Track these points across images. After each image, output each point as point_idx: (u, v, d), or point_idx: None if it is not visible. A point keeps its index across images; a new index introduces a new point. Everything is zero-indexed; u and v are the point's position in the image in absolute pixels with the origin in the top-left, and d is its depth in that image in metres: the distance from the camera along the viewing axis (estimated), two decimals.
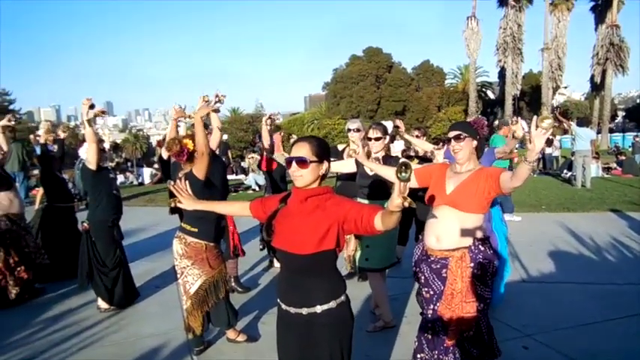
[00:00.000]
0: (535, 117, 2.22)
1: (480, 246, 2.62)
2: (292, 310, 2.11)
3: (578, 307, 4.30)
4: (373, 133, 3.93)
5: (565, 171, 13.68)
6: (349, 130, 4.52)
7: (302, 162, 2.06)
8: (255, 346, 3.76)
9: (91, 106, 4.29)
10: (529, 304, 4.42)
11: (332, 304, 2.07)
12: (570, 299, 4.50)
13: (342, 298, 2.12)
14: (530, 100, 44.34)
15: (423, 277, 2.77)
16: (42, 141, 5.88)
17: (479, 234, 2.64)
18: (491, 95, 48.13)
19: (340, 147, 5.07)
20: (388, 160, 3.88)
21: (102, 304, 4.64)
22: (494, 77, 44.17)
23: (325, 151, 2.14)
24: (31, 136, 8.38)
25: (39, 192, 9.28)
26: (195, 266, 3.52)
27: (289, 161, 2.10)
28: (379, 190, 3.86)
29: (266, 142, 5.33)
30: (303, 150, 2.08)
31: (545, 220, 8.03)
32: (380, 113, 43.20)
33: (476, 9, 35.50)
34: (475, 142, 2.70)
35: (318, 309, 2.06)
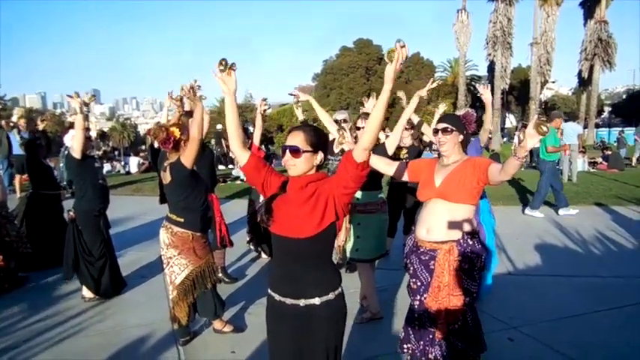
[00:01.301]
0: (535, 116, 2.25)
1: (469, 240, 2.62)
2: (288, 301, 2.07)
3: (563, 300, 4.34)
4: (362, 123, 3.95)
5: None
6: (336, 121, 4.52)
7: (295, 151, 2.02)
8: (241, 337, 3.74)
9: (77, 95, 4.26)
10: (515, 296, 4.46)
11: (330, 295, 2.06)
12: (556, 292, 4.55)
13: (339, 289, 2.11)
14: (519, 94, 44.64)
15: (412, 268, 2.77)
16: (22, 126, 5.81)
17: (468, 227, 2.64)
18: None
19: (330, 137, 5.05)
20: (375, 148, 3.88)
21: (86, 293, 4.58)
22: (483, 71, 44.23)
23: (320, 140, 2.09)
24: (3, 122, 8.22)
25: (17, 179, 9.13)
26: (181, 256, 3.48)
27: (283, 149, 2.06)
28: (370, 180, 3.84)
29: (258, 129, 5.20)
30: (297, 139, 2.04)
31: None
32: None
33: (466, 2, 35.48)
34: (461, 137, 2.73)
35: (317, 300, 2.04)
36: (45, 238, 5.41)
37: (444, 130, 2.69)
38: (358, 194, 3.88)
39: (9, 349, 3.59)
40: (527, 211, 8.01)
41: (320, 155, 2.09)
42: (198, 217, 3.57)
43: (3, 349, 3.60)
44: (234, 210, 7.81)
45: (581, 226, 6.92)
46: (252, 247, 5.97)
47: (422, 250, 2.71)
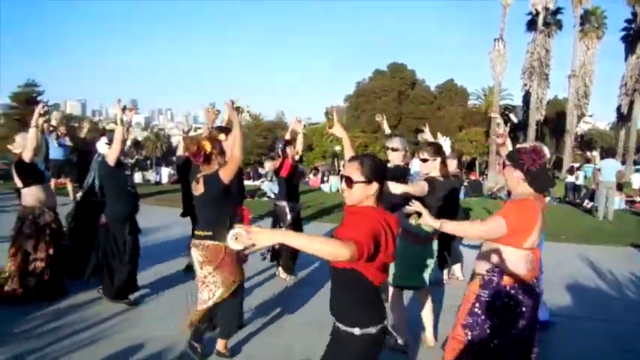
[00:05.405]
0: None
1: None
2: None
3: (590, 345, 4.14)
4: (424, 154, 3.78)
5: (587, 201, 13.39)
6: (387, 148, 4.38)
7: (348, 181, 2.14)
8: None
9: (124, 108, 4.43)
10: (541, 335, 4.27)
11: None
12: (582, 335, 4.35)
13: None
14: (554, 126, 43.74)
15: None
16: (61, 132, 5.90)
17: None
18: (514, 119, 47.59)
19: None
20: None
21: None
22: (518, 101, 43.74)
23: (376, 171, 2.15)
24: (45, 125, 8.39)
25: (52, 183, 9.30)
26: (217, 271, 3.44)
27: (341, 178, 2.20)
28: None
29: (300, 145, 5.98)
30: (351, 169, 2.15)
31: (563, 250, 7.82)
32: (400, 130, 43.04)
33: (504, 31, 35.35)
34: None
35: None
36: (86, 245, 5.11)
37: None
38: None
39: (26, 353, 3.63)
40: None
41: (375, 185, 2.14)
42: (227, 231, 3.51)
43: (21, 353, 3.64)
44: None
45: (616, 267, 6.62)
46: (267, 258, 5.92)
47: None
